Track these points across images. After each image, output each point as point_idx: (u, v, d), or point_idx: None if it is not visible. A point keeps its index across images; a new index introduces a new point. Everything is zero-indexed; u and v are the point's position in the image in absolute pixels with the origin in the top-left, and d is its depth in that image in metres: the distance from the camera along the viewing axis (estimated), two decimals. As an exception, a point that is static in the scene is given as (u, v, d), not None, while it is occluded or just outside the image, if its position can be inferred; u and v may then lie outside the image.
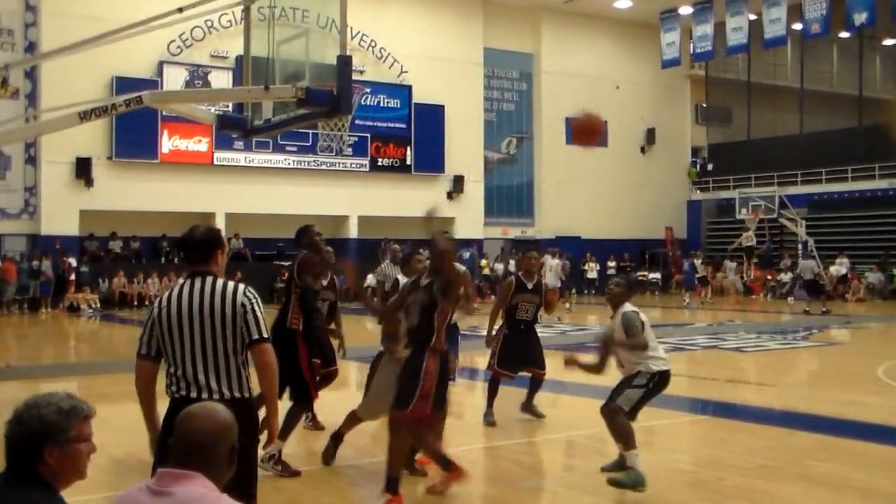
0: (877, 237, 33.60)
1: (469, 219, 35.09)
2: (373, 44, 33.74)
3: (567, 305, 27.36)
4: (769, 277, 35.11)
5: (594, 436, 9.50)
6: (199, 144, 30.36)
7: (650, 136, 41.15)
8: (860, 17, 32.63)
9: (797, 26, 35.42)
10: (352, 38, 31.50)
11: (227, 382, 4.37)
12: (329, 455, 7.81)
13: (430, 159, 34.78)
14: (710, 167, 42.16)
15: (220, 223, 30.99)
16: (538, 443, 9.41)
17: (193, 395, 4.31)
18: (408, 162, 34.45)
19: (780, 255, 36.03)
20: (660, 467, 8.08)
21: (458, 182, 35.53)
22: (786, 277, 34.02)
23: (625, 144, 40.30)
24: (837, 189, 36.67)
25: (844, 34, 39.30)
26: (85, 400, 2.92)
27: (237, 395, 4.36)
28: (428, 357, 6.38)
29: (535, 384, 9.96)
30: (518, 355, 9.87)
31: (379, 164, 33.86)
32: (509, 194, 38.17)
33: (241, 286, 4.52)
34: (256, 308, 4.45)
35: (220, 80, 29.88)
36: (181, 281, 4.56)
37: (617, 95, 39.82)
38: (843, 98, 42.11)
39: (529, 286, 9.88)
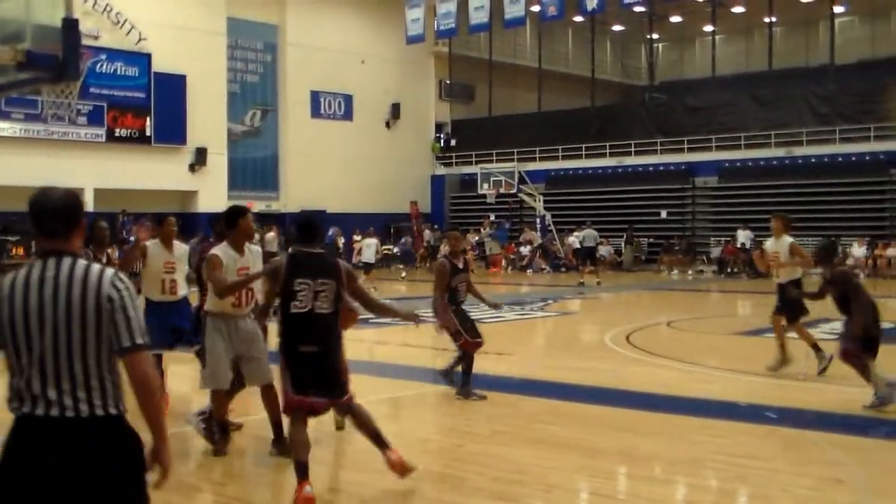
0: (608, 212, 35.54)
1: (212, 192, 34.24)
2: (108, 8, 32.10)
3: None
4: (510, 253, 36.43)
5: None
6: (-90, 108, 27.89)
7: (395, 110, 41.62)
8: (592, 3, 34.35)
9: (535, 8, 36.82)
10: (84, 1, 29.85)
11: (87, 397, 3.33)
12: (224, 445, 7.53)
13: (172, 130, 33.62)
14: (453, 142, 43.18)
15: (-65, 195, 28.77)
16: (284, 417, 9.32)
17: (40, 411, 3.31)
18: (147, 133, 33.13)
19: (521, 229, 37.45)
20: (402, 436, 8.19)
21: (201, 154, 34.56)
22: (525, 250, 35.48)
23: (370, 119, 40.60)
24: (573, 165, 38.52)
25: (579, 18, 41.26)
26: None
27: (100, 412, 3.34)
28: None
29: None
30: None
31: (116, 134, 32.37)
32: (254, 167, 37.56)
33: (109, 272, 3.44)
34: (128, 303, 3.40)
35: (-64, 40, 27.51)
36: (30, 263, 3.47)
37: (362, 70, 40.01)
38: (578, 79, 44.25)
39: (460, 265, 9.96)
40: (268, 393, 7.34)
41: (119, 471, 3.33)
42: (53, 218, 3.46)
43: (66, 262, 3.41)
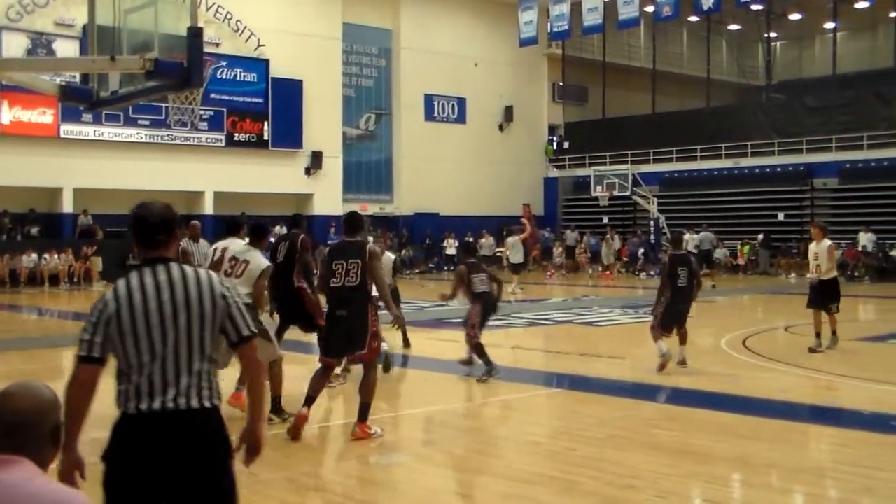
0: (723, 214, 34.88)
1: (327, 195, 34.86)
2: (228, 16, 33.00)
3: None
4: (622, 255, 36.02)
5: (452, 410, 9.63)
6: (44, 116, 29.09)
7: (508, 113, 41.65)
8: (707, 2, 33.76)
9: (649, 9, 36.38)
10: (206, 10, 30.74)
11: (198, 389, 3.59)
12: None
13: (288, 135, 34.33)
14: (566, 145, 42.96)
15: (67, 198, 29.98)
16: (397, 418, 9.43)
17: (156, 406, 3.52)
18: (265, 137, 33.91)
19: (633, 231, 37.01)
20: (514, 439, 8.24)
21: (317, 158, 35.19)
22: (638, 253, 35.02)
23: (483, 122, 40.71)
24: (688, 167, 37.93)
25: (693, 18, 40.60)
26: None
27: (207, 404, 3.60)
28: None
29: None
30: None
31: (235, 139, 33.24)
32: (368, 171, 38.06)
33: (214, 275, 3.81)
34: (238, 298, 3.80)
35: (67, 49, 28.57)
36: (135, 271, 3.71)
37: (476, 73, 40.18)
38: (693, 80, 43.54)
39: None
40: (272, 369, 8.20)
41: (224, 456, 3.61)
42: (155, 229, 3.75)
43: (174, 267, 3.71)
